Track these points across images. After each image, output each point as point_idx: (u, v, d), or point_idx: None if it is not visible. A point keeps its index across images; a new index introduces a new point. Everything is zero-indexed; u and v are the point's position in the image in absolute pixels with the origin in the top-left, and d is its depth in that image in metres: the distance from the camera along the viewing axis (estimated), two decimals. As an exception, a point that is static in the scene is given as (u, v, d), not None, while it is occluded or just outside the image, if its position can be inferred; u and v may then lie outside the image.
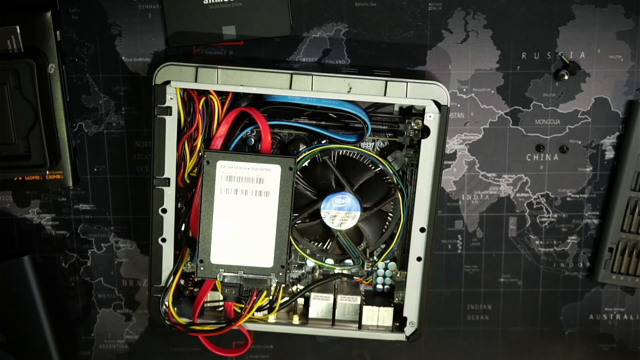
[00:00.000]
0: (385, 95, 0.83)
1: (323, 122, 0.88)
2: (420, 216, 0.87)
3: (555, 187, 0.96)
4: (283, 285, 0.90)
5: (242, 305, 0.89)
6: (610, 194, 0.96)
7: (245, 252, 0.86)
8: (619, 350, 1.01)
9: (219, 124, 0.86)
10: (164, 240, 0.88)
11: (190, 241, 0.90)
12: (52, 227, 0.97)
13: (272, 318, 0.92)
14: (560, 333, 1.00)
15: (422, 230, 0.87)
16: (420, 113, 0.87)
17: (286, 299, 0.92)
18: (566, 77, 0.93)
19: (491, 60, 0.93)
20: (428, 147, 0.85)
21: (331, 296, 0.92)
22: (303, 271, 0.94)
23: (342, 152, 0.89)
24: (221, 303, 0.91)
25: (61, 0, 0.92)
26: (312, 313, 0.92)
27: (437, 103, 0.84)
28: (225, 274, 0.87)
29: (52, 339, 0.96)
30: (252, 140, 0.90)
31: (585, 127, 0.95)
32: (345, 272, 0.94)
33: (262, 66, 0.83)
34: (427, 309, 0.89)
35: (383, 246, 0.91)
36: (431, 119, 0.84)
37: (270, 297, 0.90)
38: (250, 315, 0.89)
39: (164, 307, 0.89)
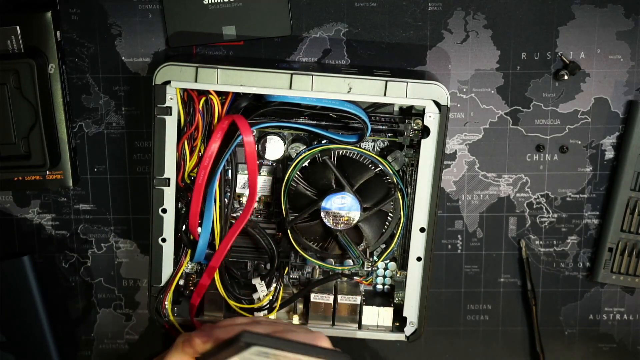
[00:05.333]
0: (385, 95, 0.83)
1: (323, 123, 0.88)
2: (420, 216, 0.87)
3: (555, 187, 0.96)
4: (283, 285, 0.90)
5: (242, 305, 0.90)
6: (610, 194, 0.96)
7: None
8: (619, 350, 1.00)
9: (217, 126, 0.86)
10: (164, 240, 0.88)
11: (190, 242, 0.90)
12: (52, 227, 0.97)
13: (272, 318, 0.92)
14: (560, 333, 1.00)
15: (422, 230, 0.87)
16: (420, 113, 0.87)
17: (286, 299, 0.92)
18: (566, 77, 0.93)
19: (491, 60, 0.93)
20: (428, 147, 0.85)
21: (331, 296, 0.92)
22: (303, 271, 0.94)
23: (342, 152, 0.89)
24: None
25: (61, 0, 0.92)
26: (312, 313, 0.92)
27: (437, 103, 0.84)
28: None
29: (52, 339, 0.96)
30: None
31: (585, 127, 0.95)
32: (345, 272, 0.94)
33: (262, 66, 0.83)
34: (427, 309, 0.89)
35: (383, 246, 0.91)
36: (431, 119, 0.84)
37: (271, 297, 0.90)
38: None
39: (164, 310, 0.89)
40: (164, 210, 0.87)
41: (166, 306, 0.89)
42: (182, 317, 0.91)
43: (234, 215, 0.90)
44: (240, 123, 0.84)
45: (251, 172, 0.86)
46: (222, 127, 0.85)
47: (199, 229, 0.88)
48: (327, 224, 0.87)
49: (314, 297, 0.92)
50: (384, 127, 0.89)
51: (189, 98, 0.86)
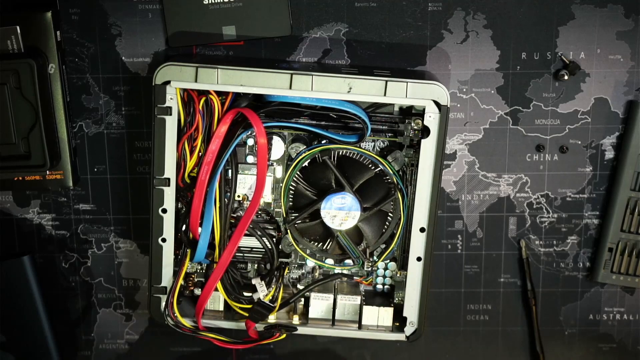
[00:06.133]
0: (385, 95, 0.83)
1: (323, 122, 0.88)
2: (420, 216, 0.87)
3: (555, 187, 0.96)
4: (283, 285, 0.90)
5: (242, 305, 0.90)
6: (610, 194, 0.96)
7: None
8: (619, 350, 1.01)
9: (218, 124, 0.86)
10: (164, 240, 0.88)
11: (190, 242, 0.90)
12: (52, 227, 0.97)
13: (272, 318, 0.92)
14: (560, 333, 1.00)
15: (422, 230, 0.87)
16: (420, 113, 0.87)
17: (286, 298, 0.92)
18: (566, 77, 0.93)
19: (491, 60, 0.93)
20: (428, 147, 0.85)
21: (331, 296, 0.92)
22: (303, 271, 0.94)
23: (342, 152, 0.89)
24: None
25: (61, 0, 0.92)
26: (312, 313, 0.92)
27: (437, 103, 0.84)
28: None
29: (52, 339, 0.96)
30: (252, 140, 0.90)
31: (585, 127, 0.95)
32: (345, 272, 0.94)
33: (262, 66, 0.83)
34: (427, 309, 0.89)
35: (383, 246, 0.91)
36: (431, 119, 0.84)
37: (271, 297, 0.90)
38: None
39: (173, 314, 0.89)
40: (164, 210, 0.87)
41: (175, 312, 0.89)
42: (184, 316, 0.91)
43: (234, 215, 0.90)
44: (249, 115, 0.84)
45: (261, 163, 0.86)
46: (225, 121, 0.85)
47: (199, 229, 0.88)
48: (327, 224, 0.87)
49: (314, 297, 0.92)
50: (384, 127, 0.89)
51: (189, 98, 0.86)
